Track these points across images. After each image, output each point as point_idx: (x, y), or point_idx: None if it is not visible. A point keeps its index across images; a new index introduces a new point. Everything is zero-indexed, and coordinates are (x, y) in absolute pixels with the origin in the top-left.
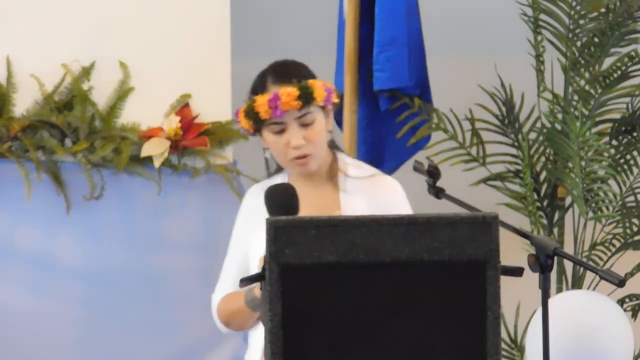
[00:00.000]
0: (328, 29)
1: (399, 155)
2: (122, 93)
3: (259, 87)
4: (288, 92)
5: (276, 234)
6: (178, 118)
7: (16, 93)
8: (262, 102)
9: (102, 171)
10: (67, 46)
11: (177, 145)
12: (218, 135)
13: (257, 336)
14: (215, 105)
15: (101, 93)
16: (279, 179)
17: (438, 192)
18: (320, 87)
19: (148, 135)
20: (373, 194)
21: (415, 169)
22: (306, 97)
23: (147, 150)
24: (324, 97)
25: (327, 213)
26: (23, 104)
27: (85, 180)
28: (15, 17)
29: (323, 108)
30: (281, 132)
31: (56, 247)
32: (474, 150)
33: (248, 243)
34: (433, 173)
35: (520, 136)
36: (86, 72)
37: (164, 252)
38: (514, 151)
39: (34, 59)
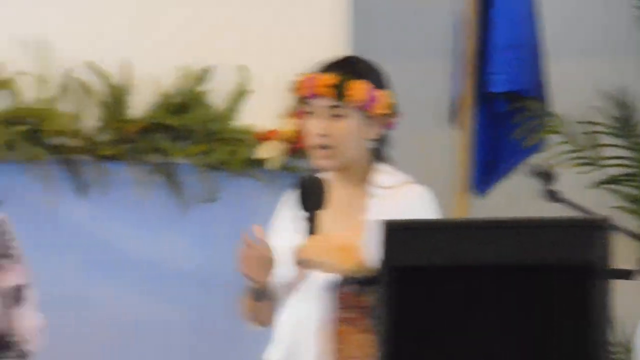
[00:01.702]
0: (445, 30)
1: (514, 157)
2: (238, 96)
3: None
4: (326, 79)
5: (390, 236)
6: (294, 120)
7: (132, 95)
8: (301, 80)
9: (218, 174)
10: (184, 48)
11: (292, 148)
12: None
13: (280, 331)
14: None
15: (217, 95)
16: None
17: (553, 195)
18: (361, 90)
19: (263, 138)
20: (398, 201)
21: (530, 171)
22: (339, 90)
23: (262, 152)
24: (360, 100)
25: (353, 216)
26: (140, 106)
27: (200, 183)
28: (133, 20)
29: (365, 112)
30: (311, 115)
31: (170, 250)
32: (589, 154)
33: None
34: (548, 176)
35: (635, 139)
36: (203, 74)
37: None
38: (629, 154)
39: (150, 61)
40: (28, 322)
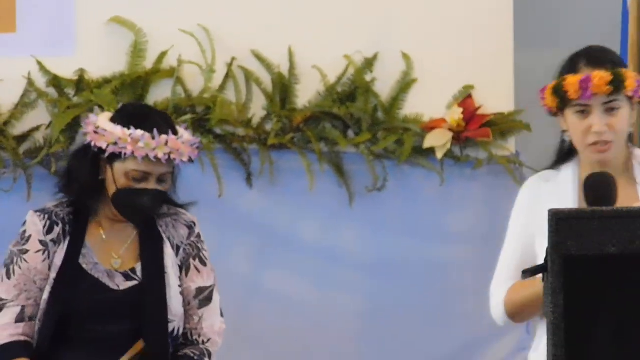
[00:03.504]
0: (612, 19)
1: None
2: (405, 84)
3: (569, 67)
4: (601, 76)
5: (559, 225)
6: (461, 109)
7: (299, 84)
8: (572, 81)
9: (385, 162)
10: (350, 37)
11: (459, 137)
12: (500, 126)
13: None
14: (498, 96)
15: (384, 84)
16: (569, 169)
17: None
18: (632, 77)
19: (431, 127)
20: None
21: None
22: (617, 84)
23: (429, 141)
24: (634, 87)
25: (626, 205)
26: (305, 95)
27: (367, 172)
28: (298, 8)
29: (630, 99)
30: (585, 114)
31: (338, 239)
32: None
33: (531, 233)
34: None
35: None
36: (369, 63)
37: (446, 244)
38: None
39: (317, 50)
40: (213, 323)
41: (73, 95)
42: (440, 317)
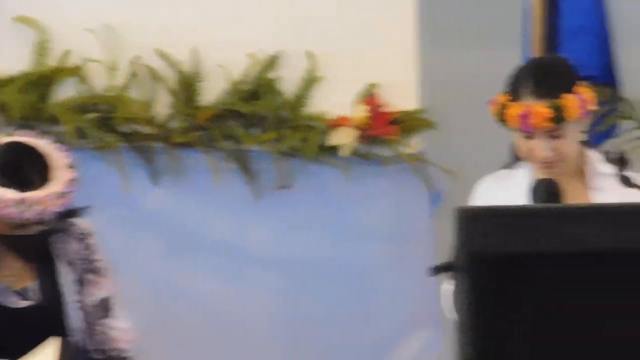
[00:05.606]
0: (515, 17)
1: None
2: (310, 82)
3: (514, 89)
4: (540, 112)
5: (466, 223)
6: (366, 107)
7: (203, 82)
8: (512, 113)
9: (290, 160)
10: (254, 35)
11: (365, 135)
12: (406, 124)
13: None
14: (403, 94)
15: (289, 82)
16: (520, 171)
17: (626, 181)
18: (574, 104)
19: (336, 125)
20: (624, 190)
21: (605, 158)
22: (557, 118)
23: (335, 139)
24: (577, 114)
25: None
26: (210, 93)
27: (273, 170)
28: (202, 6)
29: (581, 119)
30: (529, 138)
31: (247, 237)
32: None
33: None
34: (622, 162)
35: None
36: (273, 61)
37: (353, 241)
38: None
39: (221, 48)
40: (121, 331)
41: None
42: (351, 314)
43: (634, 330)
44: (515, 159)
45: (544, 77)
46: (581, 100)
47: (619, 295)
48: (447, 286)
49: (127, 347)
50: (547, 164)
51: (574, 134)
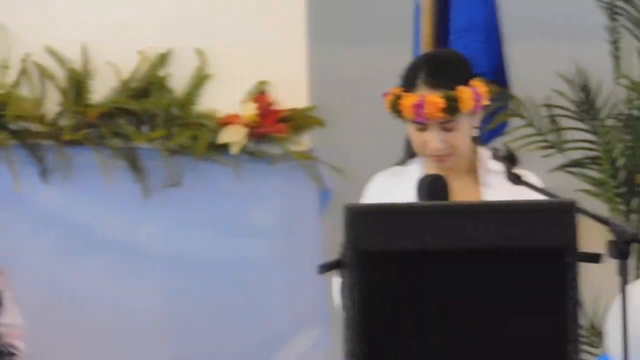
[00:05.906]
0: (405, 15)
1: None
2: (199, 80)
3: (408, 81)
4: (434, 102)
5: (354, 220)
6: (255, 105)
7: (92, 80)
8: (406, 103)
9: (180, 158)
10: (143, 33)
11: (254, 132)
12: (296, 122)
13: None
14: (293, 92)
15: (178, 80)
16: (413, 167)
17: (515, 179)
18: (468, 96)
19: (225, 122)
20: (514, 187)
21: (493, 155)
22: (451, 110)
23: (224, 137)
24: (471, 106)
25: None
26: (100, 90)
27: (163, 168)
28: (92, 3)
29: (474, 112)
30: (422, 129)
31: (135, 234)
32: (551, 137)
33: None
34: (511, 159)
35: (597, 123)
36: (162, 58)
37: (243, 239)
38: (591, 137)
39: (111, 45)
40: (10, 326)
41: None
42: (240, 312)
43: (519, 325)
44: (409, 155)
45: (439, 68)
46: (475, 93)
47: (504, 291)
48: (339, 279)
49: (17, 344)
50: (439, 157)
51: (466, 127)
